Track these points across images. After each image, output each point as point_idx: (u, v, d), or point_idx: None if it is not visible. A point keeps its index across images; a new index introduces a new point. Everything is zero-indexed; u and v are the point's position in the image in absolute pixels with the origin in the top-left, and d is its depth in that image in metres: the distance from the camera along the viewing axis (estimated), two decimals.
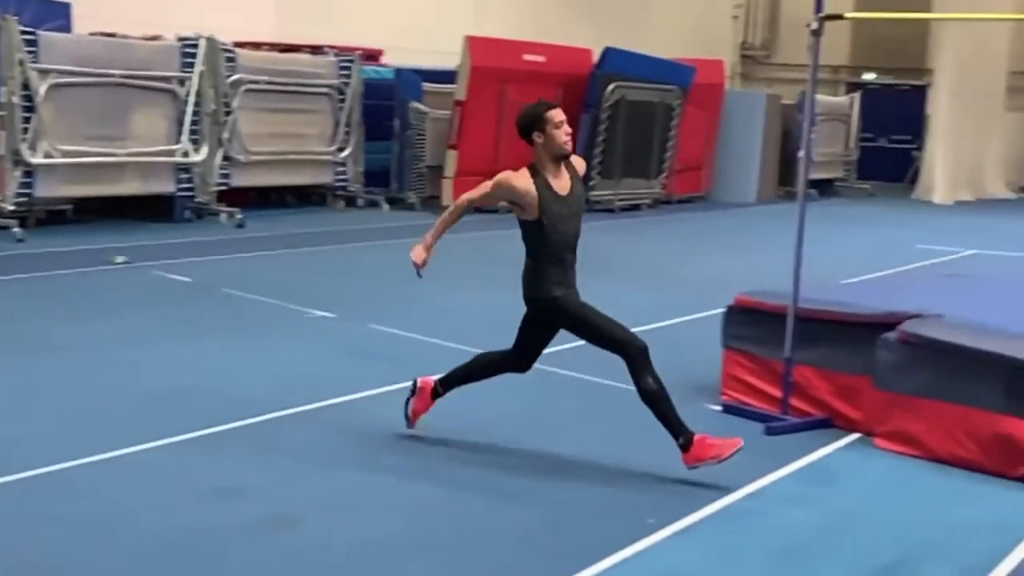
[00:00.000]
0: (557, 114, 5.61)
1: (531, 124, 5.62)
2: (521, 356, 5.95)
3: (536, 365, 7.80)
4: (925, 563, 4.73)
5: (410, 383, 6.14)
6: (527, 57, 17.34)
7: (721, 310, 7.20)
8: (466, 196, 5.81)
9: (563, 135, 5.59)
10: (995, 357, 5.78)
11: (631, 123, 18.44)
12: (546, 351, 8.08)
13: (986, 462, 5.81)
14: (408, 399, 6.10)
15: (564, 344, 8.29)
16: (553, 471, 5.67)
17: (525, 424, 6.49)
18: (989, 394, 5.80)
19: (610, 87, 17.85)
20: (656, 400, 5.44)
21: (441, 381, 6.05)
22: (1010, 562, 4.74)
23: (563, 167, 5.69)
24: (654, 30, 23.30)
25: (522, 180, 5.59)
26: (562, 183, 5.65)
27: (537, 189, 5.56)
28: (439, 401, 6.07)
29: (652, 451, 6.04)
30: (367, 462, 5.70)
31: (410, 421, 6.08)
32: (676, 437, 5.46)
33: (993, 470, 5.77)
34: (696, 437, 5.43)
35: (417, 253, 5.78)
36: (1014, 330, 6.06)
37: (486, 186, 5.71)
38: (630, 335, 5.52)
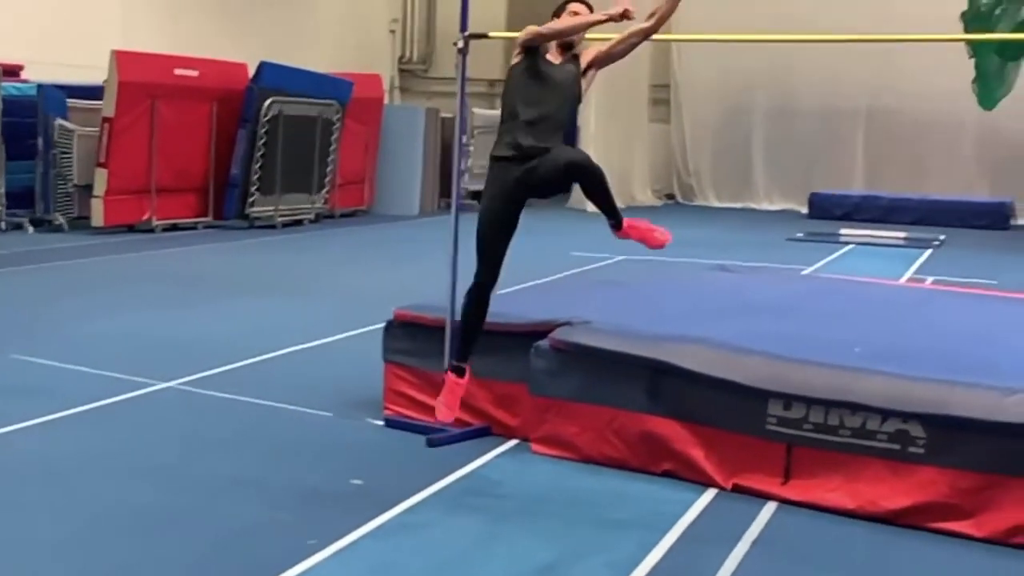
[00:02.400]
0: (579, 8, 6.05)
1: (558, 8, 6.13)
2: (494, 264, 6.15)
3: (187, 388, 7.60)
4: (579, 561, 4.89)
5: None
6: (179, 72, 16.88)
7: (383, 324, 7.23)
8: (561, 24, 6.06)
9: None
10: (638, 359, 6.08)
11: (290, 138, 18.30)
12: (201, 374, 7.93)
13: (633, 460, 6.09)
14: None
15: (219, 367, 8.14)
16: (213, 496, 5.52)
17: (180, 447, 6.30)
18: (633, 395, 6.09)
19: (267, 102, 17.66)
20: (462, 320, 6.19)
21: (456, 359, 6.23)
22: (656, 554, 4.98)
23: (566, 60, 6.07)
24: (312, 44, 23.16)
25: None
26: (558, 61, 6.05)
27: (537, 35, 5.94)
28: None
29: (312, 470, 6.00)
30: (11, 500, 5.37)
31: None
32: (453, 358, 6.24)
33: (639, 467, 6.06)
34: (465, 379, 6.24)
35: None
36: (656, 332, 6.37)
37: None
38: (490, 266, 6.03)
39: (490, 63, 27.52)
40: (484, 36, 7.25)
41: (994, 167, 24.40)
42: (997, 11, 19.09)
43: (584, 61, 6.22)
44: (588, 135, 24.78)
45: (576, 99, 6.13)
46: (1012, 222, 22.85)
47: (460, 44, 6.95)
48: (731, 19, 20.85)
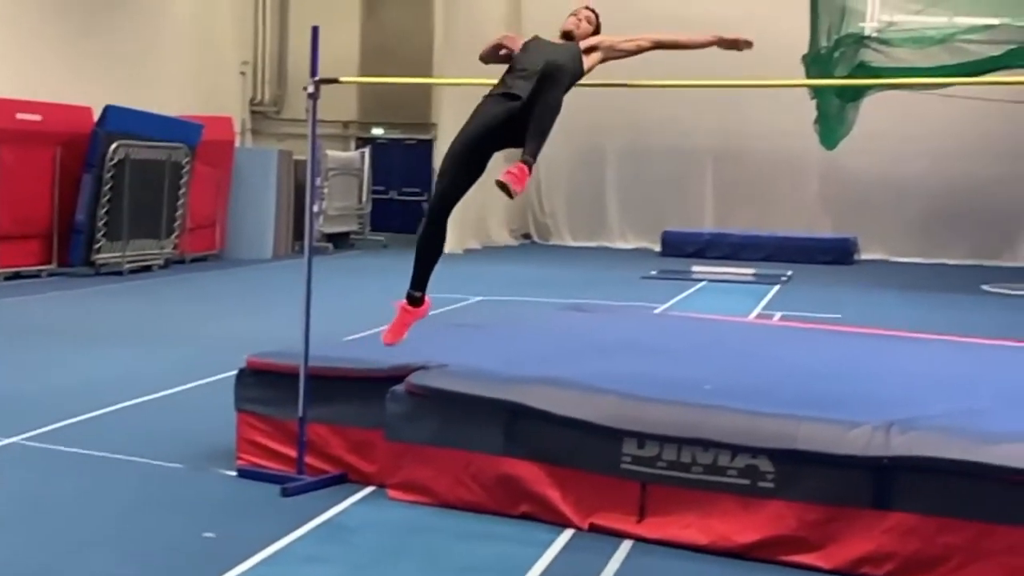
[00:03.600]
0: (580, 10, 6.46)
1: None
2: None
3: (32, 443, 7.35)
4: None
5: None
6: (21, 116, 16.44)
7: (235, 372, 7.10)
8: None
9: (569, 20, 6.42)
10: (493, 402, 6.09)
11: (137, 182, 17.95)
12: (46, 428, 7.68)
13: (490, 503, 6.08)
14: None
15: (65, 420, 7.90)
16: (62, 553, 5.34)
17: (26, 504, 6.08)
18: (490, 437, 6.08)
19: (113, 146, 17.32)
20: (416, 249, 6.20)
21: (410, 288, 6.33)
22: None
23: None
24: (160, 87, 22.72)
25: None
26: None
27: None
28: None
29: (163, 524, 5.86)
30: None
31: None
32: (410, 288, 6.26)
33: (497, 510, 6.05)
34: (419, 309, 6.34)
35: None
36: (511, 374, 6.39)
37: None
38: (443, 194, 6.15)
39: (344, 105, 27.47)
40: (335, 81, 7.22)
41: (837, 205, 25.25)
42: (836, 54, 19.69)
43: (588, 42, 6.38)
44: None
45: (574, 72, 6.20)
46: (855, 257, 23.65)
47: (311, 88, 6.90)
48: None
